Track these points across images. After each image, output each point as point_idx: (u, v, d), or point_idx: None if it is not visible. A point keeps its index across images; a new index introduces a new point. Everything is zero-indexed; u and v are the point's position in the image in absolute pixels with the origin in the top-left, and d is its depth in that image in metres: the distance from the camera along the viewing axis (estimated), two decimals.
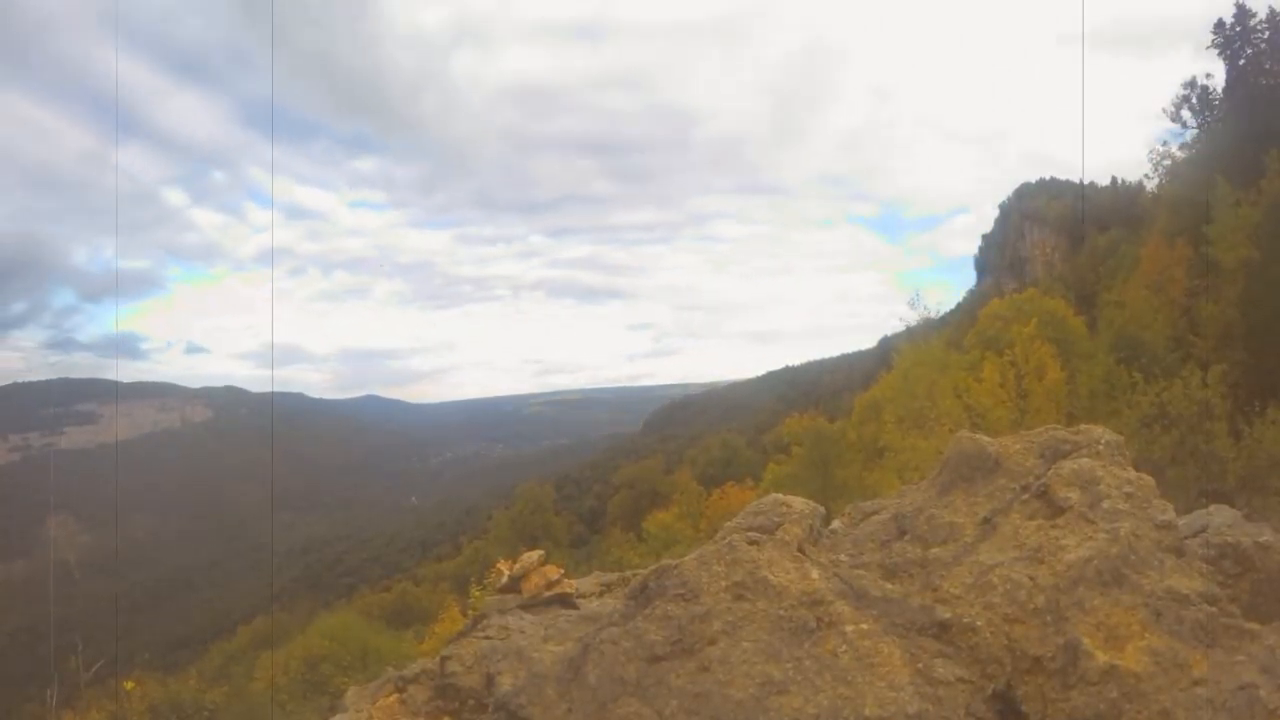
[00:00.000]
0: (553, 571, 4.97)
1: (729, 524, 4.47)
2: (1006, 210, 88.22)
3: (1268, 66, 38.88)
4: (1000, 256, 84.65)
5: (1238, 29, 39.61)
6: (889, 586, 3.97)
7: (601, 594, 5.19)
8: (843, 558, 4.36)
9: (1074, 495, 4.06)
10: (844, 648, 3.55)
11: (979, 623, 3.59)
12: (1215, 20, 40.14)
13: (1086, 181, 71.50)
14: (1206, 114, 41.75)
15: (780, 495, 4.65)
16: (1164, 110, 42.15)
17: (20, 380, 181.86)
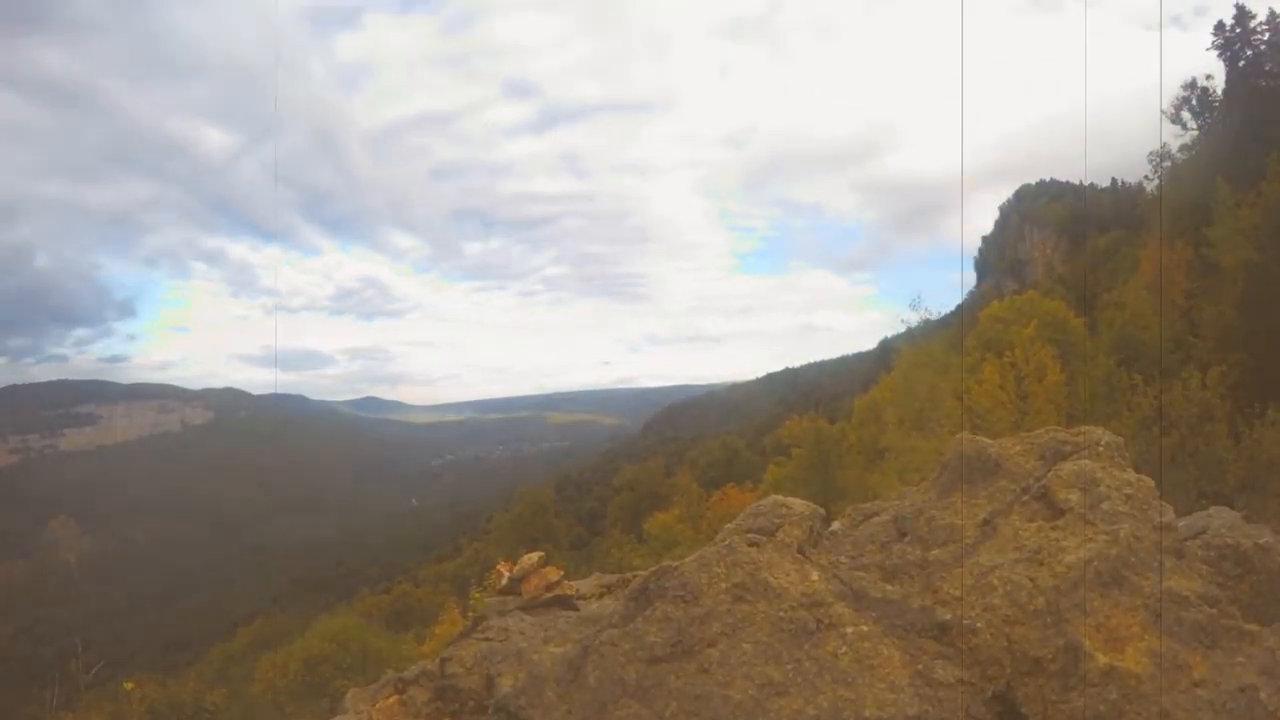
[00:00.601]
0: (553, 573, 4.97)
1: (729, 526, 4.47)
2: (1006, 212, 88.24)
3: (1268, 67, 38.88)
4: (1000, 258, 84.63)
5: (1238, 30, 39.65)
6: (889, 588, 3.97)
7: (601, 596, 5.19)
8: (843, 559, 4.36)
9: (1074, 497, 4.06)
10: (844, 649, 3.55)
11: (979, 624, 3.59)
12: (1215, 21, 40.26)
13: (1086, 183, 71.70)
14: (1206, 115, 41.74)
15: (780, 497, 4.65)
16: (1164, 111, 42.11)
17: (20, 382, 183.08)
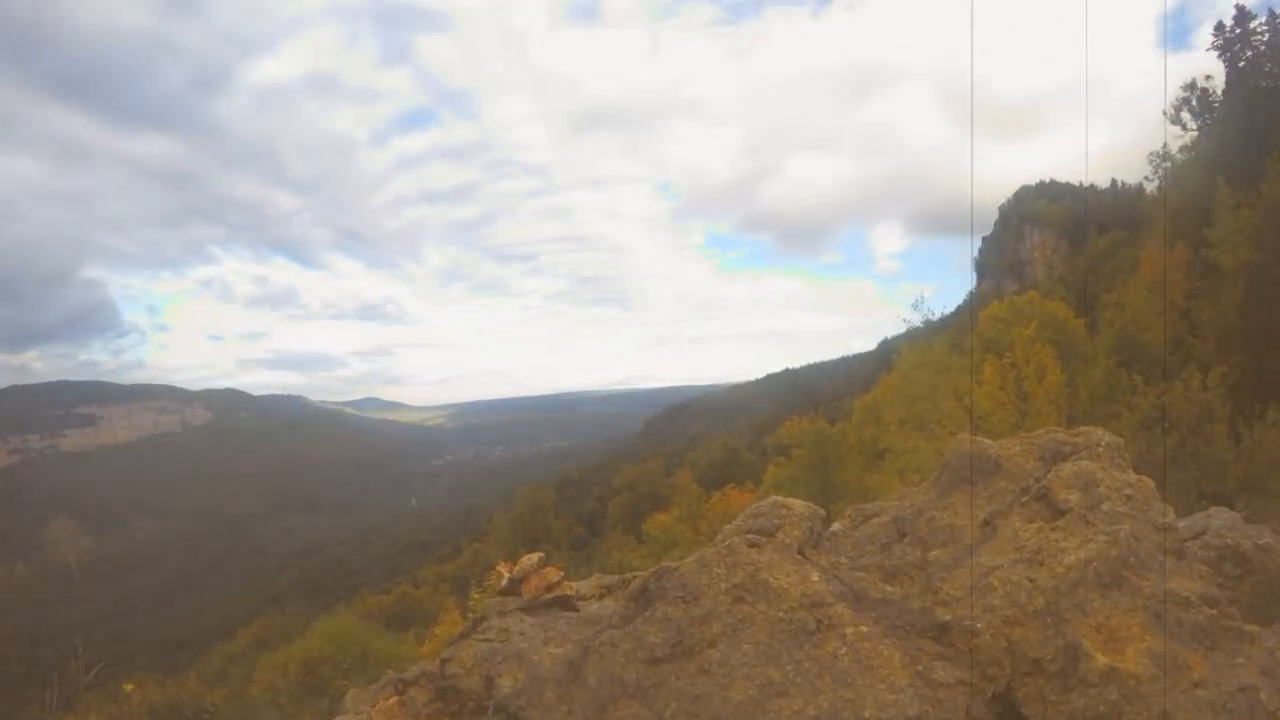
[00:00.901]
0: (553, 574, 4.97)
1: (729, 526, 4.47)
2: (1006, 213, 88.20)
3: (1268, 68, 38.89)
4: (1000, 259, 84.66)
5: (1237, 31, 39.66)
6: (889, 589, 3.97)
7: (601, 596, 5.19)
8: (843, 560, 4.36)
9: (1074, 498, 4.06)
10: (844, 650, 3.55)
11: (979, 625, 3.59)
12: (1215, 22, 40.29)
13: (1087, 184, 71.71)
14: (1206, 116, 41.73)
15: (780, 498, 4.65)
16: (1164, 112, 42.09)
17: (20, 383, 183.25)
